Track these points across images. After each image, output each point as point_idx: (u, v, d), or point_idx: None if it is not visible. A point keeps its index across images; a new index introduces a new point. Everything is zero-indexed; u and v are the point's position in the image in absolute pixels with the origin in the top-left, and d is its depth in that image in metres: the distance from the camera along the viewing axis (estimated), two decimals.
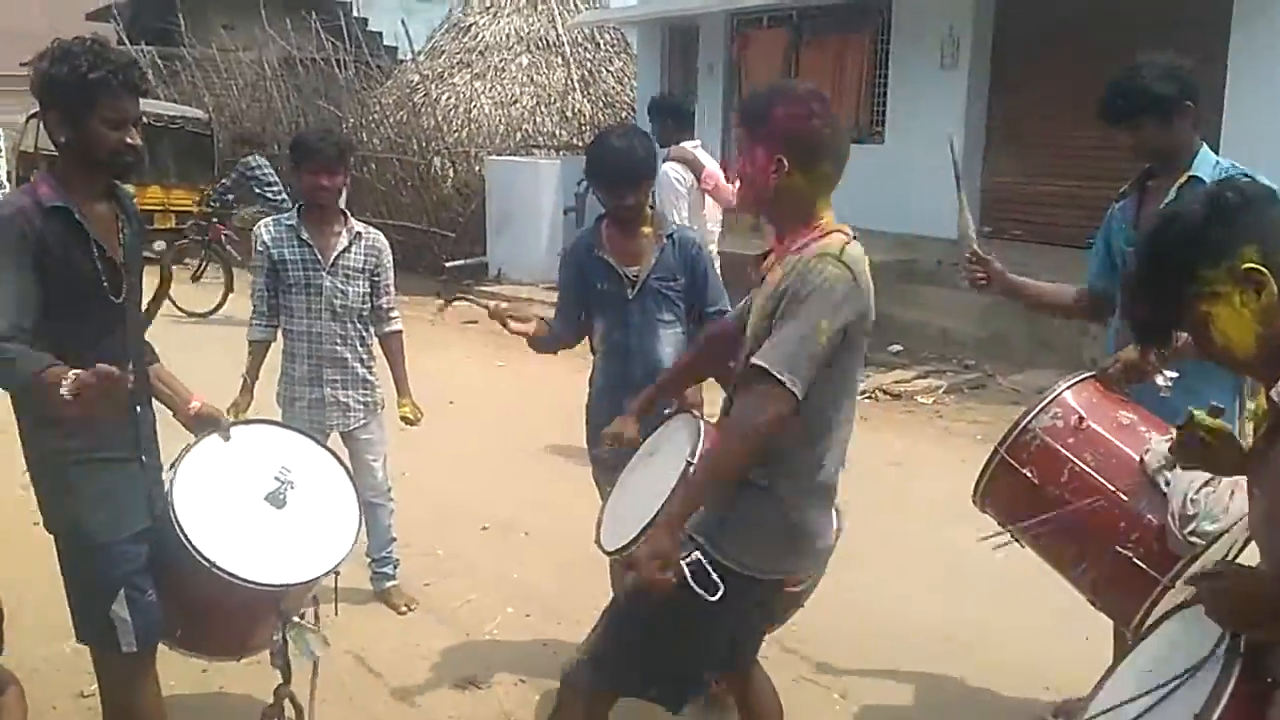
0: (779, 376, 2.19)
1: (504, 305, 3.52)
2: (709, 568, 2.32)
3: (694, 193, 6.02)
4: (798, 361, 2.21)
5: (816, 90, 2.45)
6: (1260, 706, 1.74)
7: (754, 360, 2.24)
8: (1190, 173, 3.00)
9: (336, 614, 3.07)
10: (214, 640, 2.94)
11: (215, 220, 11.04)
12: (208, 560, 2.61)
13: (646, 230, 3.56)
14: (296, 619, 2.78)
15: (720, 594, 2.29)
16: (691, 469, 2.47)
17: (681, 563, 2.28)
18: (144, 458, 2.75)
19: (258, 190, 10.56)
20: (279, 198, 10.34)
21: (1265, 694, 1.75)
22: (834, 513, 2.64)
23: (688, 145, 6.11)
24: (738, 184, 2.47)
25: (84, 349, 2.59)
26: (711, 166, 6.12)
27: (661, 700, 2.58)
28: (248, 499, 2.82)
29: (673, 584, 2.25)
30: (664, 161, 5.86)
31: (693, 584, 2.29)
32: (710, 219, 6.29)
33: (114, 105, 2.51)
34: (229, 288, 10.49)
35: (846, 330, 2.28)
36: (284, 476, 2.86)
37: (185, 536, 2.63)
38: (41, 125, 10.68)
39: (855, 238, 2.39)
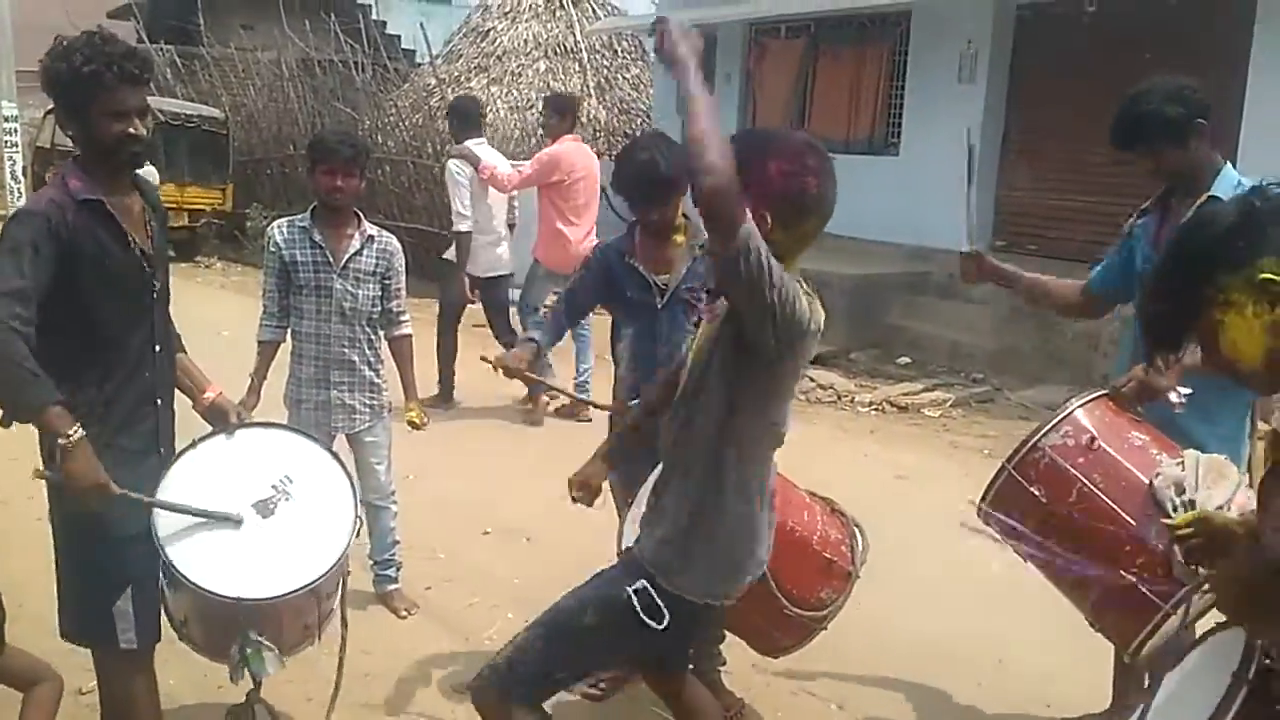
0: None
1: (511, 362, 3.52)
2: (655, 597, 2.35)
3: (475, 183, 6.93)
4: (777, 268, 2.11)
5: (814, 144, 2.33)
6: None
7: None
8: (1210, 193, 2.96)
9: (342, 635, 3.02)
10: (203, 637, 2.90)
11: None
12: (168, 558, 2.58)
13: (679, 239, 3.50)
14: (254, 635, 2.67)
15: (666, 623, 2.34)
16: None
17: (629, 590, 2.35)
18: (162, 450, 2.77)
19: None
20: None
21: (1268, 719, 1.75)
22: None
23: (470, 143, 7.02)
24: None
25: (118, 339, 2.64)
26: (489, 159, 6.98)
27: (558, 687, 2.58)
28: (236, 504, 2.73)
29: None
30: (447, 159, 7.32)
31: (640, 613, 2.33)
32: (496, 215, 7.15)
33: (111, 97, 2.53)
34: None
35: (795, 345, 2.26)
36: (282, 486, 2.78)
37: (154, 530, 2.60)
38: (58, 121, 10.79)
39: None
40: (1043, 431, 2.75)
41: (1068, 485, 2.67)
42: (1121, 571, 2.52)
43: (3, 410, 2.49)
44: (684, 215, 3.52)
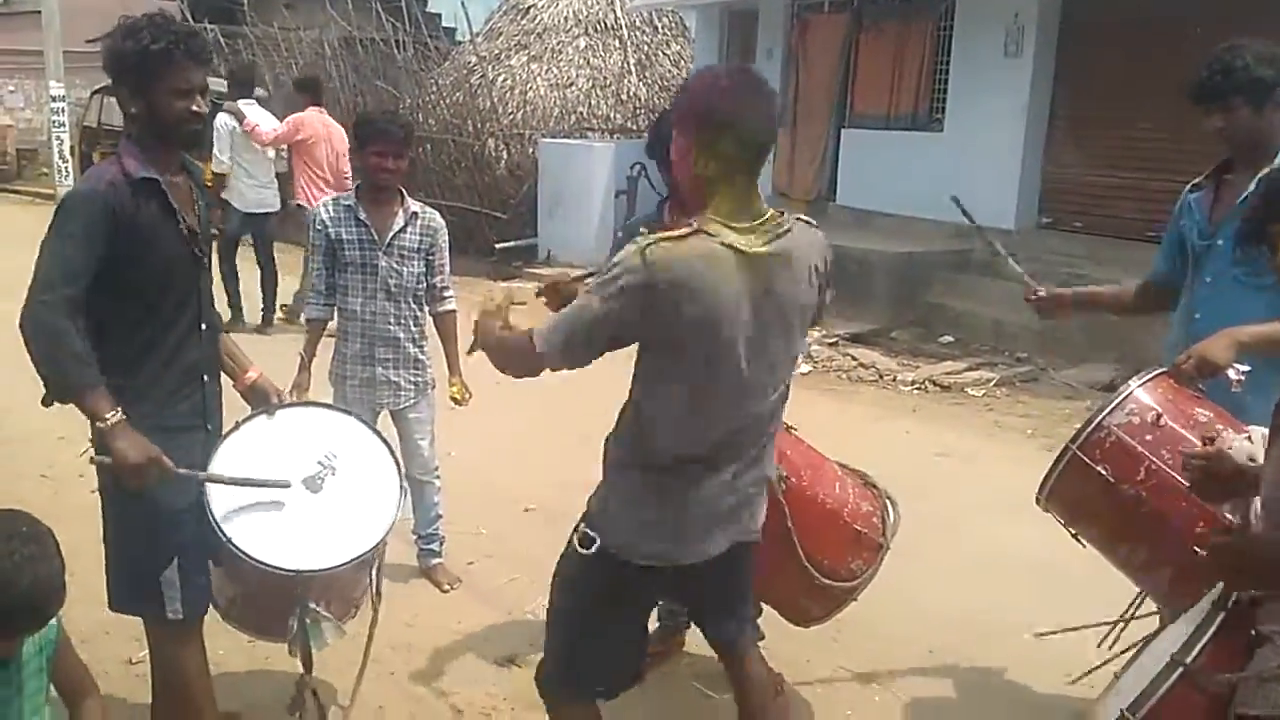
0: (536, 339, 2.26)
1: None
2: (590, 534, 2.43)
3: (237, 136, 8.74)
4: (556, 328, 2.24)
5: (734, 69, 2.31)
6: (1242, 657, 1.95)
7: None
8: (1273, 167, 2.90)
9: (374, 605, 3.05)
10: (250, 616, 2.96)
11: None
12: (225, 536, 2.63)
13: None
14: (313, 605, 2.73)
15: (593, 549, 2.40)
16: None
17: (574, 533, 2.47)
18: (209, 426, 2.81)
19: None
20: None
21: (1247, 645, 1.97)
22: (746, 513, 2.51)
23: (241, 103, 8.87)
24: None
25: (165, 316, 2.68)
26: (254, 117, 8.75)
27: (599, 695, 2.66)
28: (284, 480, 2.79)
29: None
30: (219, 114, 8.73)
31: (578, 547, 2.43)
32: (263, 164, 8.92)
33: (178, 74, 2.57)
34: None
35: (635, 328, 2.20)
36: (328, 462, 2.83)
37: (210, 510, 2.65)
38: (104, 101, 11.26)
39: (706, 234, 2.18)
40: (1107, 410, 2.73)
41: (1135, 463, 2.64)
42: (1195, 548, 2.48)
43: (46, 389, 2.54)
44: None
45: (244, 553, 2.63)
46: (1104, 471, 2.68)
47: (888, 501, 3.16)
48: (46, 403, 2.61)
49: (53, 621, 2.33)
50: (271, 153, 9.00)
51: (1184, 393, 2.76)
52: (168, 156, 2.67)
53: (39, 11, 16.21)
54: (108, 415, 2.46)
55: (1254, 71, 2.88)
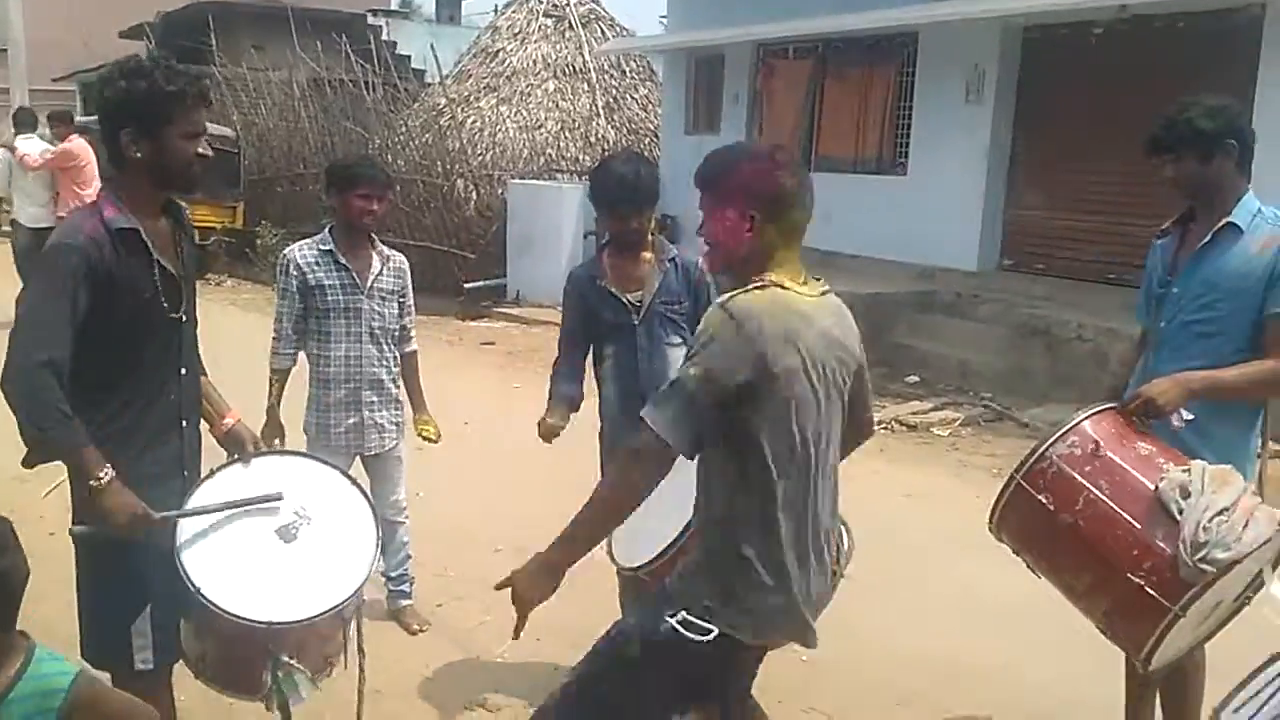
0: (650, 425, 2.21)
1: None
2: (697, 621, 2.31)
3: (14, 166, 10.45)
4: (667, 408, 2.20)
5: (779, 147, 2.50)
6: None
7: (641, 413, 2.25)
8: (1228, 219, 3.00)
9: (346, 667, 2.96)
10: (223, 673, 2.86)
11: None
12: (195, 586, 2.54)
13: (647, 256, 3.59)
14: (285, 659, 2.64)
15: (710, 640, 2.28)
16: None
17: (669, 618, 2.31)
18: (186, 473, 2.75)
19: None
20: None
21: None
22: (824, 554, 2.53)
23: (20, 139, 10.54)
24: (706, 249, 2.43)
25: (145, 363, 2.63)
26: (25, 149, 10.35)
27: None
28: (258, 530, 2.71)
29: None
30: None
31: (686, 633, 2.29)
32: (40, 188, 10.43)
33: (188, 117, 2.55)
34: None
35: (735, 383, 2.19)
36: (303, 512, 2.76)
37: (178, 557, 2.57)
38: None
39: (780, 287, 2.29)
40: (1050, 441, 2.78)
41: (1075, 493, 2.69)
42: (1128, 575, 2.54)
43: (30, 449, 2.48)
44: (652, 233, 3.60)
45: (215, 604, 2.53)
46: (1045, 500, 2.74)
47: (843, 529, 3.18)
48: (28, 464, 2.56)
49: (60, 687, 2.18)
50: (46, 176, 10.44)
51: (1130, 426, 2.83)
52: (154, 200, 2.62)
53: (4, 50, 16.15)
54: (100, 475, 2.42)
55: (1197, 124, 2.98)
